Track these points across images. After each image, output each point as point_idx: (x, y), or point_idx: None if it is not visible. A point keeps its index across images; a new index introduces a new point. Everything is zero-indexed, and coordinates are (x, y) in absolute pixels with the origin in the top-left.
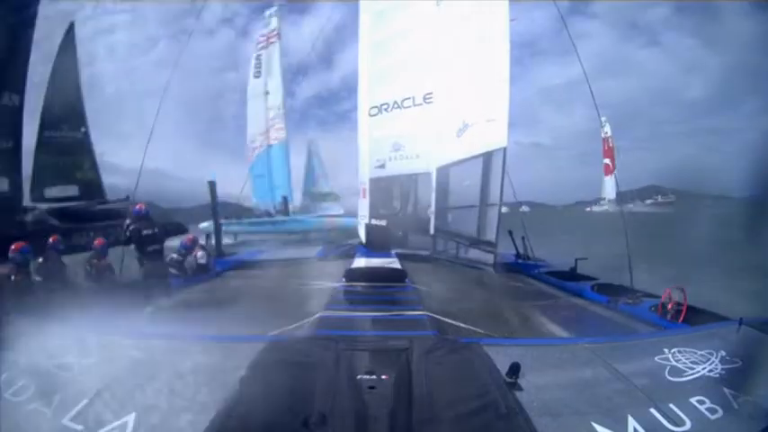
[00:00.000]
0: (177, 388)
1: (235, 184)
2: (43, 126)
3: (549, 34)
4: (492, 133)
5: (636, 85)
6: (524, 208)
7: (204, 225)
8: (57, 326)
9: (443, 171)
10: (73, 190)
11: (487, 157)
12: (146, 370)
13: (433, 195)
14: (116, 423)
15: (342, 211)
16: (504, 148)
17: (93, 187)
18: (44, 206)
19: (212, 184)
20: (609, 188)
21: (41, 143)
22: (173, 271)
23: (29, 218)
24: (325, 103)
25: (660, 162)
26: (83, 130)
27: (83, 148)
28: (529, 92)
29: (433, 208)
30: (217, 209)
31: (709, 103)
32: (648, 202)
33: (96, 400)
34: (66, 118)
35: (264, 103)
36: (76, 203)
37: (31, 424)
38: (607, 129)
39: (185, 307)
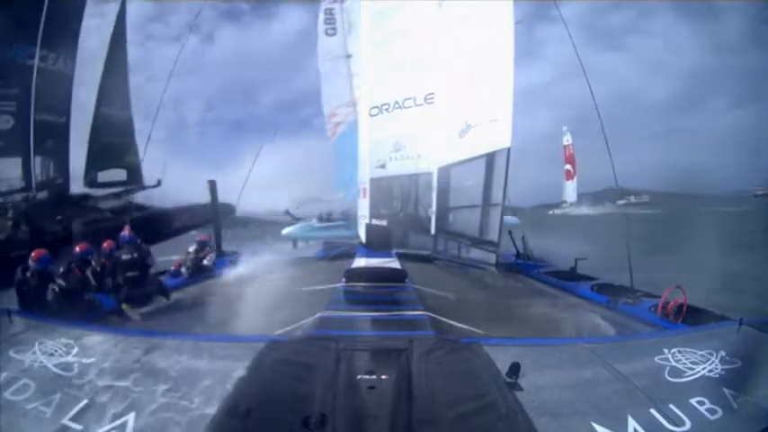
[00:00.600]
0: (177, 388)
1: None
2: (100, 102)
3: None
4: (495, 134)
5: (600, 87)
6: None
7: (289, 230)
8: (57, 326)
9: (444, 171)
10: (121, 174)
11: (490, 158)
12: (146, 370)
13: (434, 195)
14: (116, 423)
15: None
16: (509, 149)
17: (135, 172)
18: (98, 192)
19: (212, 184)
20: (570, 191)
21: (98, 121)
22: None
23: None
24: None
25: (628, 163)
26: (130, 109)
27: (130, 129)
28: None
29: (434, 208)
30: (217, 209)
31: (674, 105)
32: (621, 202)
33: (96, 400)
34: (118, 95)
35: (347, 68)
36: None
37: (31, 424)
38: (568, 137)
39: (185, 306)
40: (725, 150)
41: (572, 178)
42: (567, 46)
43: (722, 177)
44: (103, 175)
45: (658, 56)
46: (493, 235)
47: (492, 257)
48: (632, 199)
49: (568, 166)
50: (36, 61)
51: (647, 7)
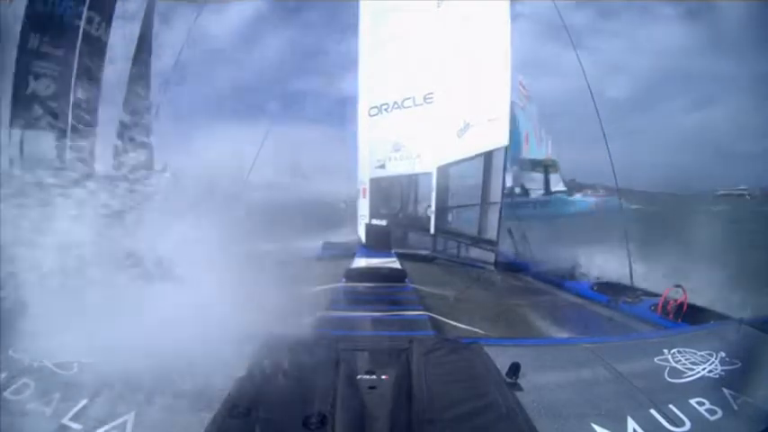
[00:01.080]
0: (177, 387)
1: None
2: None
3: None
4: (494, 132)
5: (559, 84)
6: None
7: None
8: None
9: (443, 170)
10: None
11: (488, 157)
12: (145, 369)
13: (434, 195)
14: (116, 423)
15: (564, 187)
16: (506, 147)
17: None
18: None
19: None
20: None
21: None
22: None
23: None
24: None
25: (583, 159)
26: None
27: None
28: None
29: (433, 207)
30: None
31: (630, 104)
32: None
33: (96, 400)
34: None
35: None
36: None
37: (30, 424)
38: None
39: None
40: (684, 151)
41: None
42: (527, 42)
43: (679, 176)
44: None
45: (618, 56)
46: (491, 233)
47: (491, 256)
48: (588, 193)
49: None
50: (83, 23)
51: (610, 7)
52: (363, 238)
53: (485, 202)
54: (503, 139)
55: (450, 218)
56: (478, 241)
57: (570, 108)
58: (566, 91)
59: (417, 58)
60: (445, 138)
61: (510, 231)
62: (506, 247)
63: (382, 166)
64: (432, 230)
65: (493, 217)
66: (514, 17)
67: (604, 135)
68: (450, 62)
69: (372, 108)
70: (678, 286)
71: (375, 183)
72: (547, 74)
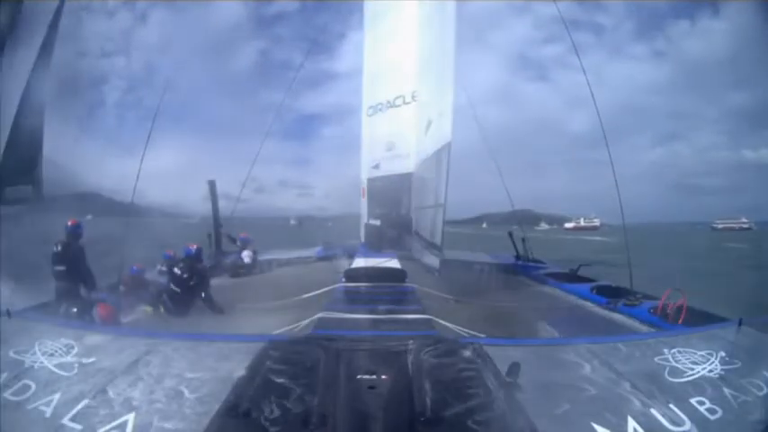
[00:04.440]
0: (177, 388)
1: None
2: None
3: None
4: (443, 128)
5: (519, 115)
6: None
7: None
8: (57, 326)
9: (420, 169)
10: (27, 191)
11: (438, 154)
12: (146, 370)
13: (412, 194)
14: (116, 423)
15: None
16: (449, 143)
17: (39, 188)
18: None
19: (212, 184)
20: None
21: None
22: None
23: None
24: None
25: (534, 189)
26: (41, 119)
27: (40, 141)
28: None
29: (413, 207)
30: (217, 208)
31: (592, 137)
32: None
33: (96, 400)
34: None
35: None
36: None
37: (30, 424)
38: None
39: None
40: (642, 183)
41: None
42: (492, 72)
43: (637, 207)
44: (11, 192)
45: (583, 90)
46: (436, 238)
47: (436, 261)
48: (582, 222)
49: None
50: None
51: (579, 43)
52: (362, 238)
53: (435, 203)
54: (448, 135)
55: (414, 218)
56: (430, 245)
57: (532, 139)
58: (530, 121)
59: (405, 56)
60: (420, 135)
61: (510, 234)
62: (506, 250)
63: (377, 167)
64: (412, 230)
65: (438, 219)
66: (484, 47)
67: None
68: (425, 60)
69: (370, 108)
70: (677, 289)
71: (371, 183)
72: (516, 105)
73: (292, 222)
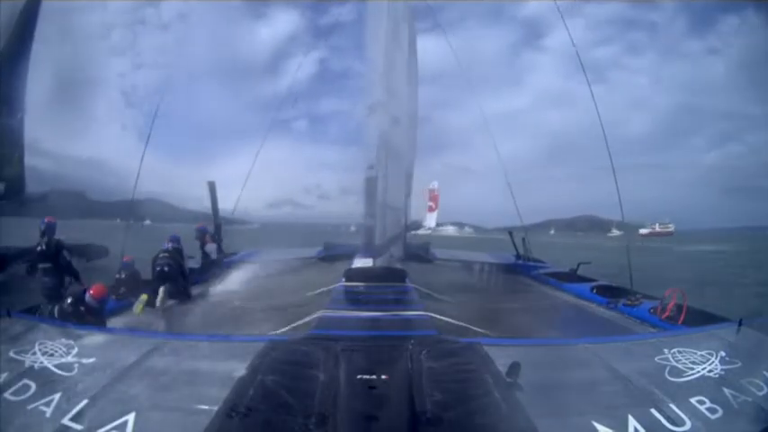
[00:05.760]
0: (177, 388)
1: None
2: None
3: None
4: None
5: (578, 118)
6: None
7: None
8: (57, 326)
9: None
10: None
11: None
12: (146, 370)
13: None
14: (116, 423)
15: None
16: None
17: (16, 184)
18: None
19: (212, 185)
20: (430, 220)
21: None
22: None
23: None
24: None
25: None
26: (20, 116)
27: (18, 137)
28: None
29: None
30: (217, 209)
31: (651, 140)
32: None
33: (96, 400)
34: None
35: None
36: None
37: (31, 424)
38: (435, 184)
39: (185, 307)
40: (699, 188)
41: (433, 211)
42: (549, 75)
43: (695, 214)
44: None
45: (640, 92)
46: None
47: None
48: (657, 228)
49: (431, 203)
50: None
51: (634, 44)
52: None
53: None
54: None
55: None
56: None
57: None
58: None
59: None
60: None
61: (510, 234)
62: (506, 249)
63: (371, 167)
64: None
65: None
66: (541, 50)
67: None
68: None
69: (368, 108)
70: (678, 290)
71: (369, 183)
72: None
73: (352, 229)
